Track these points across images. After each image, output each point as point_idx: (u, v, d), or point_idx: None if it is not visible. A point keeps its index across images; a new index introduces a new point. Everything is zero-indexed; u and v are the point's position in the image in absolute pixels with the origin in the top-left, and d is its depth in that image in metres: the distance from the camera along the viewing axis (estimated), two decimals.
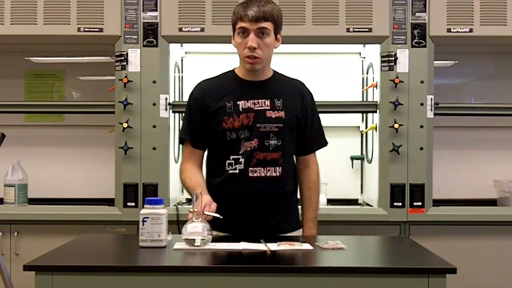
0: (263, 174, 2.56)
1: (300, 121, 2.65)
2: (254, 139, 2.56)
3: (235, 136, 2.57)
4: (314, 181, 2.73)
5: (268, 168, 2.57)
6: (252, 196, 2.54)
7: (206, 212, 2.34)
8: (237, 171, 2.56)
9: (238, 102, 2.59)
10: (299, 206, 2.78)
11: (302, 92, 2.69)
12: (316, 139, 2.75)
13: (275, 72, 2.72)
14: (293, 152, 2.71)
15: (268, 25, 2.53)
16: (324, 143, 2.80)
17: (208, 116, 2.61)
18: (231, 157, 2.57)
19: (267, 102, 2.60)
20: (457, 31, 3.32)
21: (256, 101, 2.59)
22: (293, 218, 2.70)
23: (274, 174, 2.57)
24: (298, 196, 2.79)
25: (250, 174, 2.55)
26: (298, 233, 2.70)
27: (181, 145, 2.94)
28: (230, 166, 2.57)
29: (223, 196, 2.57)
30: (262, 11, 2.51)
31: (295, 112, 2.63)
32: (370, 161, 3.66)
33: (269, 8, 2.53)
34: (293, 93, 2.66)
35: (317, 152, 3.78)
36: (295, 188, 2.71)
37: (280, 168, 2.58)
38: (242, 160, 2.56)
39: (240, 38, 2.54)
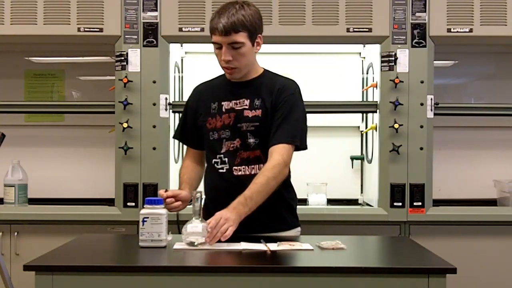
0: (247, 172, 2.57)
1: (272, 116, 2.58)
2: (236, 138, 2.59)
3: (217, 136, 2.61)
4: (268, 167, 2.48)
5: (252, 166, 2.58)
6: (238, 193, 2.46)
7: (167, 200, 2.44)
8: (224, 171, 2.60)
9: (222, 103, 2.63)
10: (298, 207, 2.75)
11: (281, 88, 2.60)
12: (283, 133, 2.53)
13: (265, 71, 2.70)
14: None
15: (239, 36, 2.49)
16: (289, 141, 2.53)
17: (198, 117, 2.68)
18: (217, 156, 2.61)
19: (246, 102, 2.60)
20: (457, 31, 3.32)
21: (237, 101, 2.61)
22: (281, 218, 2.64)
23: (258, 172, 2.53)
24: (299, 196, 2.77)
25: (235, 173, 2.58)
26: (285, 233, 2.64)
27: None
28: (216, 165, 2.61)
29: (214, 194, 2.57)
30: (231, 23, 2.46)
31: (268, 108, 2.58)
32: (370, 161, 3.66)
33: (240, 17, 2.48)
34: (272, 90, 2.61)
35: (317, 152, 3.81)
36: (283, 187, 2.62)
37: (264, 165, 2.54)
38: (225, 159, 2.59)
39: (216, 50, 2.56)
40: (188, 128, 2.74)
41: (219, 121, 2.61)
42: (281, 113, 2.56)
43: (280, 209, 2.64)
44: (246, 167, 2.58)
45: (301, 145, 2.60)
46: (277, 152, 2.51)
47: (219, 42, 2.51)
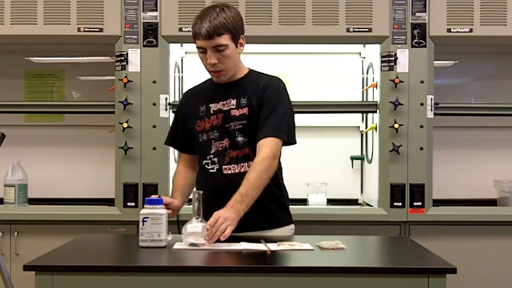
0: (237, 171, 2.59)
1: (259, 113, 2.61)
2: (225, 138, 2.61)
3: (206, 137, 2.65)
4: (257, 160, 2.50)
5: (242, 164, 2.60)
6: (230, 192, 2.47)
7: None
8: (214, 171, 2.62)
9: (210, 105, 2.66)
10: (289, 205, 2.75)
11: (266, 85, 2.63)
12: (269, 127, 2.55)
13: (250, 70, 2.72)
14: None
15: (223, 39, 2.52)
16: (275, 135, 2.54)
17: (187, 121, 2.72)
18: (207, 157, 2.64)
19: (233, 102, 2.63)
20: (457, 31, 3.32)
21: (224, 102, 2.64)
22: (273, 215, 2.64)
23: (248, 169, 2.55)
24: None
25: (225, 172, 2.60)
26: (279, 230, 2.64)
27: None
28: (207, 166, 2.64)
29: (205, 194, 2.55)
30: (214, 26, 2.50)
31: (254, 105, 2.61)
32: (370, 161, 3.66)
33: (221, 20, 2.51)
34: (257, 88, 2.63)
35: (317, 152, 3.82)
36: (273, 184, 2.62)
37: (253, 162, 2.56)
38: (215, 159, 2.62)
39: (201, 54, 2.59)
40: (179, 133, 2.78)
41: (207, 123, 2.65)
42: (267, 109, 2.59)
43: (271, 206, 2.63)
44: (236, 165, 2.60)
45: (288, 140, 2.61)
46: (265, 145, 2.53)
47: (203, 46, 2.54)
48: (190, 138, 2.72)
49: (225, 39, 2.53)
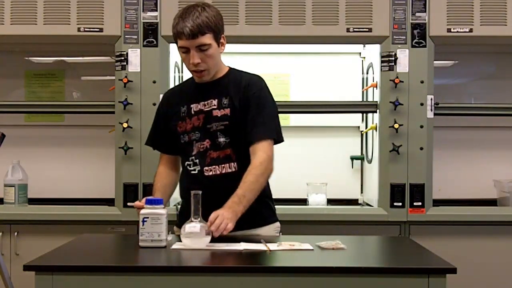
0: (218, 172, 2.58)
1: (243, 113, 2.60)
2: (206, 139, 2.60)
3: (187, 139, 2.63)
4: (254, 164, 2.51)
5: (223, 165, 2.59)
6: (212, 193, 2.47)
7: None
8: (196, 172, 2.61)
9: (191, 106, 2.64)
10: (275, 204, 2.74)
11: (248, 84, 2.62)
12: (260, 130, 2.56)
13: (230, 69, 2.70)
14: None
15: (206, 38, 2.51)
16: (268, 137, 2.56)
17: (169, 122, 2.70)
18: (189, 158, 2.63)
19: (214, 102, 2.61)
20: (457, 31, 3.33)
21: (205, 102, 2.63)
22: (257, 214, 2.61)
23: (229, 170, 2.57)
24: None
25: (206, 173, 2.59)
26: (261, 230, 2.63)
27: None
28: (189, 167, 2.63)
29: (189, 196, 2.55)
30: (197, 25, 2.48)
31: (237, 106, 2.60)
32: (370, 161, 3.66)
33: (204, 18, 2.50)
34: (239, 87, 2.62)
35: (317, 152, 3.82)
36: None
37: (235, 163, 2.58)
38: (196, 160, 2.61)
39: (183, 54, 2.57)
40: (160, 133, 2.76)
41: (188, 124, 2.63)
42: (254, 110, 2.58)
43: (256, 206, 2.56)
44: (217, 166, 2.59)
45: (278, 139, 2.62)
46: (260, 149, 2.54)
47: (187, 46, 2.52)
48: (172, 139, 2.70)
49: (208, 38, 2.52)
